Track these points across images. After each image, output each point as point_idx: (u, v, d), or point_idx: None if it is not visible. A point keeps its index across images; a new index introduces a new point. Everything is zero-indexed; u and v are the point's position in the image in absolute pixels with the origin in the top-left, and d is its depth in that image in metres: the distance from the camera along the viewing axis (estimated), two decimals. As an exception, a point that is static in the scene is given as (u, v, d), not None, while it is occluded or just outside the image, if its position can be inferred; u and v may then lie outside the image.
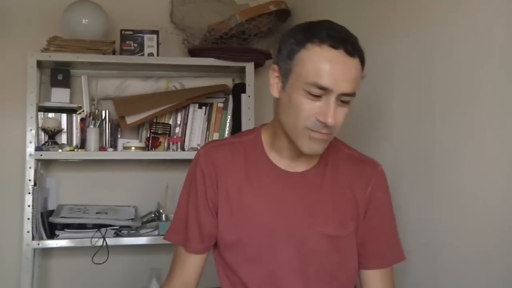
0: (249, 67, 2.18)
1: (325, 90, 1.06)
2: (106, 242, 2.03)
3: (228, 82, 2.34)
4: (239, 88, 2.23)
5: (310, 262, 1.21)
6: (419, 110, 1.35)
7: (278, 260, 1.21)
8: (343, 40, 1.06)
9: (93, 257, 2.05)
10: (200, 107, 2.25)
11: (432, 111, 1.29)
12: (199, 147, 2.18)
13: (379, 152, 1.46)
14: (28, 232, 1.98)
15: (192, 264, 1.26)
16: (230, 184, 1.22)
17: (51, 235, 2.05)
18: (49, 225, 2.07)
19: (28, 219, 1.98)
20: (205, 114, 2.25)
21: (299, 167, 1.23)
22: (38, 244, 2.00)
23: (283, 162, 1.23)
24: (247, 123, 2.15)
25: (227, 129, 2.23)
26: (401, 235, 1.23)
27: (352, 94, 1.09)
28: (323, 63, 1.06)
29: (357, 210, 1.24)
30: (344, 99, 1.08)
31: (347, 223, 1.23)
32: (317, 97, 1.07)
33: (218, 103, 2.26)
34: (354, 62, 1.08)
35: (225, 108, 2.25)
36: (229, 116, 2.24)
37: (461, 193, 1.19)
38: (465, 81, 1.17)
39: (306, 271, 1.22)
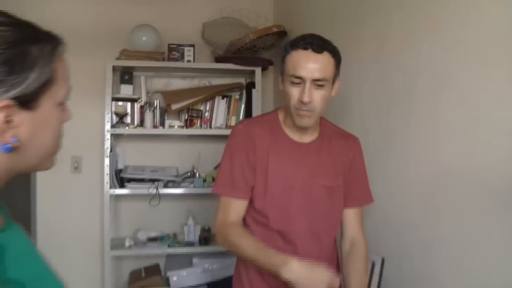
0: (258, 70, 2.94)
1: (300, 78, 1.38)
2: (158, 191, 2.80)
3: (242, 81, 3.12)
4: (250, 85, 2.99)
5: (313, 204, 1.52)
6: (381, 97, 1.82)
7: (292, 203, 1.50)
8: (310, 43, 1.38)
9: (150, 201, 2.87)
10: (222, 98, 3.00)
11: (390, 98, 1.75)
12: (222, 127, 2.97)
13: (356, 127, 1.90)
14: (107, 183, 2.76)
15: (235, 208, 1.49)
16: (262, 150, 1.49)
17: (121, 186, 2.83)
18: (119, 179, 2.85)
19: (107, 174, 2.76)
20: (226, 103, 3.00)
21: (305, 139, 1.54)
22: (114, 191, 2.78)
23: (294, 135, 1.53)
24: (255, 110, 2.94)
25: (241, 114, 3.00)
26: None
27: (322, 79, 1.38)
28: (297, 60, 1.38)
29: (344, 168, 1.57)
30: (318, 83, 1.38)
31: (338, 177, 1.56)
32: (297, 84, 1.39)
33: (235, 95, 3.02)
34: (321, 56, 1.37)
35: (240, 99, 3.01)
36: (243, 105, 3.00)
37: (409, 157, 1.63)
38: (415, 76, 1.60)
39: (310, 211, 1.52)
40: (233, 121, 3.01)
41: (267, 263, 1.35)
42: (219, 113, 3.00)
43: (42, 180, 2.95)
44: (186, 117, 2.96)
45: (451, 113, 1.41)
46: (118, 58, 2.84)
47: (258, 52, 2.97)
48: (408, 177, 1.64)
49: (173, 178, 2.90)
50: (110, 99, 2.81)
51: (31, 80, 0.65)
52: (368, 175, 1.70)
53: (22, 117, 0.65)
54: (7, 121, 0.63)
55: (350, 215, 1.62)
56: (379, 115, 1.84)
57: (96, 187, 2.94)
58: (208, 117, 2.99)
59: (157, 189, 2.80)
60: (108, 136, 2.79)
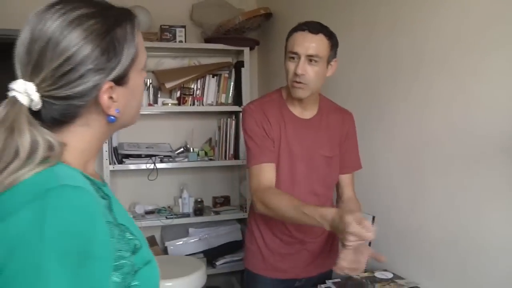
0: (246, 50, 3.11)
1: (296, 54, 1.57)
2: (156, 166, 2.96)
3: (229, 60, 3.28)
4: (239, 64, 3.16)
5: (314, 171, 1.73)
6: (369, 75, 2.04)
7: (297, 170, 1.70)
8: (307, 25, 1.58)
9: (148, 176, 3.02)
10: (213, 77, 3.15)
11: (377, 75, 1.97)
12: (212, 104, 3.14)
13: (347, 102, 2.00)
14: (106, 159, 2.87)
15: (265, 172, 1.63)
16: (275, 126, 1.68)
17: (119, 162, 2.95)
18: (117, 156, 2.96)
19: (106, 151, 2.85)
20: (216, 81, 3.16)
21: (306, 115, 1.73)
22: (113, 167, 2.90)
23: (297, 111, 1.71)
24: (245, 87, 3.11)
25: (231, 91, 3.17)
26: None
27: (315, 56, 1.56)
28: (295, 39, 1.59)
29: (340, 140, 1.77)
30: (311, 59, 1.56)
31: (335, 148, 1.76)
32: (293, 59, 1.59)
33: (225, 74, 3.18)
34: (316, 36, 1.56)
35: (229, 77, 3.17)
36: (232, 83, 3.16)
37: (394, 126, 1.88)
38: (400, 54, 1.85)
39: (311, 177, 1.73)
40: (223, 98, 3.19)
41: (312, 218, 1.40)
42: (210, 91, 3.16)
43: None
44: (179, 95, 3.10)
45: (431, 85, 1.65)
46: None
47: (245, 33, 3.14)
48: (394, 144, 1.88)
49: (169, 153, 3.06)
50: (105, 79, 2.90)
51: (122, 61, 0.76)
52: (358, 144, 1.91)
53: (118, 93, 0.77)
54: (110, 98, 0.76)
55: (345, 180, 1.84)
56: (367, 90, 2.06)
57: (96, 164, 3.03)
58: (200, 95, 3.14)
59: (154, 164, 2.95)
60: (104, 114, 2.89)
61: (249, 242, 1.84)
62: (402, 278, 1.72)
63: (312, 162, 1.72)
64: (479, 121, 1.46)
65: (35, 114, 0.71)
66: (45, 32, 0.70)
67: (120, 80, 0.77)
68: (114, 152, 2.95)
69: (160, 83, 3.04)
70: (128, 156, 2.99)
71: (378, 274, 1.75)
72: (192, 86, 3.14)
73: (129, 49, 0.77)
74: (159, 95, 3.10)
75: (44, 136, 0.69)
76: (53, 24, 0.71)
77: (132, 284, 0.72)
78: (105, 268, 0.65)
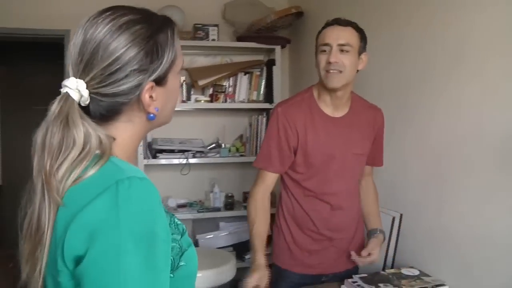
0: (277, 48, 3.16)
1: (327, 45, 1.62)
2: (188, 161, 3.05)
3: (261, 58, 3.34)
4: (270, 62, 3.22)
5: (346, 169, 1.77)
6: (401, 74, 2.08)
7: (330, 170, 1.73)
8: (335, 20, 1.65)
9: (181, 170, 3.12)
10: (245, 74, 3.22)
11: (409, 74, 1.99)
12: (244, 101, 3.20)
13: (380, 100, 1.96)
14: (141, 154, 2.95)
15: (269, 178, 1.76)
16: (300, 128, 1.70)
17: (153, 157, 3.05)
18: (151, 150, 3.07)
19: (140, 146, 2.92)
20: (248, 79, 3.22)
21: (338, 114, 1.74)
22: (147, 162, 2.99)
23: (328, 110, 1.73)
24: (276, 85, 3.16)
25: (262, 88, 3.22)
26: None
27: (346, 44, 1.60)
28: (325, 32, 1.65)
29: (370, 137, 1.80)
30: (343, 48, 1.60)
31: (366, 146, 1.80)
32: (324, 52, 1.63)
33: (256, 72, 3.24)
34: (345, 28, 1.62)
35: (261, 75, 3.23)
36: (263, 81, 3.22)
37: (424, 127, 1.95)
38: (433, 55, 2.01)
39: (344, 175, 1.77)
40: (254, 96, 3.25)
41: (252, 249, 1.73)
42: (242, 88, 3.23)
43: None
44: (211, 92, 3.19)
45: (463, 87, 1.67)
46: (147, 38, 3.01)
47: (276, 31, 3.19)
48: (424, 144, 1.90)
49: (201, 149, 3.14)
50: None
51: (163, 63, 0.82)
52: (388, 142, 1.94)
53: (158, 93, 0.83)
54: (150, 97, 0.82)
55: (366, 169, 1.91)
56: (399, 91, 2.08)
57: (131, 158, 3.15)
58: (232, 92, 3.21)
59: (187, 159, 3.05)
60: (139, 110, 2.99)
61: (277, 237, 1.88)
62: (428, 276, 1.74)
63: (345, 160, 1.76)
64: (510, 123, 1.47)
65: (84, 110, 0.79)
66: (97, 35, 0.78)
67: (160, 81, 0.83)
68: (148, 147, 3.05)
69: (193, 80, 3.12)
70: (161, 151, 3.09)
71: (404, 271, 1.77)
72: (224, 84, 3.21)
73: (169, 53, 0.84)
74: (192, 92, 3.18)
75: (94, 129, 0.77)
76: (104, 28, 0.78)
77: (180, 264, 0.81)
78: (167, 248, 0.74)
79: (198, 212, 3.12)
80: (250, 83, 3.24)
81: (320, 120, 1.72)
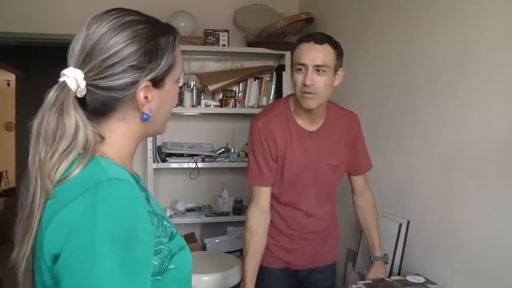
0: (287, 54, 3.13)
1: (304, 65, 1.60)
2: (197, 165, 3.07)
3: (271, 64, 3.35)
4: (280, 68, 3.23)
5: (320, 180, 1.82)
6: (407, 80, 2.09)
7: (304, 181, 1.79)
8: (312, 36, 1.63)
9: (189, 174, 3.15)
10: (254, 80, 3.24)
11: (415, 80, 1.99)
12: (254, 106, 3.21)
13: (387, 107, 2.29)
14: (150, 158, 2.99)
15: (264, 194, 1.77)
16: (280, 143, 1.74)
17: (163, 161, 3.08)
18: (160, 154, 3.09)
19: (150, 149, 2.99)
20: (258, 84, 3.24)
21: (313, 127, 1.77)
22: (156, 165, 3.02)
23: (303, 124, 1.75)
24: (286, 90, 3.17)
25: (272, 94, 3.24)
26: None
27: (323, 65, 1.58)
28: (301, 50, 1.62)
29: (348, 145, 1.85)
30: (319, 69, 1.59)
31: (342, 155, 1.83)
32: (300, 70, 1.62)
33: (266, 77, 3.26)
34: (322, 46, 1.59)
35: (271, 80, 3.25)
36: (273, 86, 3.24)
37: (432, 133, 2.04)
38: (439, 61, 2.02)
39: (318, 186, 1.83)
40: (264, 101, 3.25)
41: (243, 274, 1.78)
42: (252, 94, 3.25)
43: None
44: (221, 97, 3.21)
45: (472, 92, 1.65)
46: (159, 43, 3.04)
47: (286, 37, 3.20)
48: (431, 150, 1.88)
49: (210, 153, 3.16)
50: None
51: (161, 65, 0.84)
52: (395, 147, 1.97)
53: (153, 94, 0.85)
54: (146, 97, 0.84)
55: (359, 181, 1.95)
56: (406, 96, 2.06)
57: (140, 163, 3.18)
58: (241, 97, 3.24)
59: (196, 163, 3.06)
60: (150, 115, 3.02)
61: None
62: (434, 283, 1.72)
63: (318, 172, 1.80)
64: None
65: (80, 104, 0.80)
66: (99, 30, 0.81)
67: (157, 83, 0.85)
68: (158, 151, 3.08)
69: (203, 85, 3.15)
70: (171, 155, 3.11)
71: (410, 278, 1.76)
72: (234, 89, 3.24)
73: (168, 57, 0.85)
74: (202, 97, 3.21)
75: (84, 123, 0.78)
76: (107, 24, 0.81)
77: (169, 267, 0.80)
78: (148, 251, 0.73)
79: (207, 216, 3.13)
80: (260, 88, 3.26)
81: (296, 134, 1.75)
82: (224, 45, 3.16)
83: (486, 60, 1.59)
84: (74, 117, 0.77)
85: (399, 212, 2.05)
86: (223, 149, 3.25)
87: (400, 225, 2.00)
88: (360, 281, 1.75)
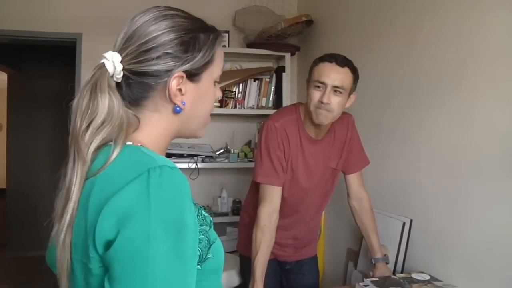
0: (287, 55, 3.20)
1: (323, 83, 1.70)
2: (197, 165, 3.07)
3: (270, 65, 3.38)
4: (280, 69, 3.25)
5: (324, 180, 1.95)
6: (410, 81, 2.16)
7: (310, 181, 1.90)
8: (334, 57, 1.71)
9: (190, 175, 3.13)
10: (254, 81, 3.26)
11: (419, 81, 2.07)
12: (253, 107, 3.23)
13: (390, 108, 2.35)
14: (149, 158, 3.05)
15: (277, 193, 1.82)
16: (293, 147, 1.83)
17: (162, 161, 3.12)
18: (160, 154, 3.13)
19: None
20: (257, 85, 3.26)
21: (320, 136, 1.87)
22: (156, 165, 3.07)
23: (312, 133, 1.85)
24: (285, 91, 3.20)
25: (271, 95, 3.27)
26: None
27: (340, 87, 1.69)
28: (323, 69, 1.71)
29: (344, 145, 1.94)
30: (336, 90, 1.69)
31: (340, 158, 1.94)
32: (319, 88, 1.71)
33: (266, 78, 3.28)
34: (343, 69, 1.70)
35: (270, 82, 3.27)
36: (273, 87, 3.27)
37: (436, 132, 2.09)
38: (442, 63, 2.04)
39: (320, 185, 1.95)
40: (263, 102, 3.28)
41: (253, 271, 1.78)
42: (251, 94, 3.27)
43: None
44: (221, 98, 3.20)
45: (473, 93, 1.69)
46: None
47: (286, 39, 3.22)
48: (434, 149, 1.92)
49: (210, 154, 3.17)
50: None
51: (197, 59, 0.84)
52: (398, 146, 2.02)
53: (188, 87, 0.85)
54: (179, 89, 0.84)
55: (353, 179, 2.02)
56: (409, 97, 2.10)
57: (139, 162, 3.18)
58: (241, 98, 3.25)
59: (196, 164, 3.07)
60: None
61: (244, 232, 2.04)
62: (439, 280, 1.75)
63: (324, 174, 1.93)
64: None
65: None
66: (142, 18, 0.84)
67: (192, 76, 0.85)
68: (158, 151, 3.06)
69: (203, 86, 3.14)
70: (171, 155, 3.08)
71: (415, 276, 1.79)
72: (234, 90, 3.25)
73: (206, 53, 0.86)
74: (201, 98, 3.19)
75: (120, 103, 0.80)
76: (151, 14, 0.84)
77: (208, 256, 0.81)
78: (195, 238, 0.74)
79: (206, 216, 3.13)
80: (259, 89, 3.28)
81: (305, 141, 1.85)
82: (224, 46, 3.17)
83: (489, 59, 1.63)
84: (108, 94, 0.78)
85: (402, 211, 2.09)
86: (223, 150, 3.26)
87: (404, 224, 2.04)
88: (367, 279, 1.77)
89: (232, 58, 3.34)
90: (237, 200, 3.26)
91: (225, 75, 3.20)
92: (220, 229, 3.24)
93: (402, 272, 1.97)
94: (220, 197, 3.26)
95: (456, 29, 1.79)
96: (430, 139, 1.95)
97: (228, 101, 3.23)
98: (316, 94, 1.72)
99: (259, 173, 1.83)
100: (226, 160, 3.20)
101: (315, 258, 2.19)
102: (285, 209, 1.89)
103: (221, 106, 3.19)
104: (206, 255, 0.81)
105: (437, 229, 1.89)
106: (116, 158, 0.76)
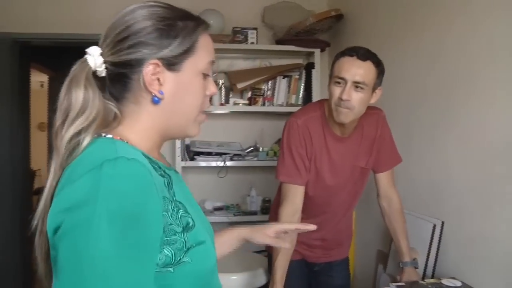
0: (317, 52, 3.13)
1: (343, 79, 1.60)
2: (225, 164, 3.07)
3: (300, 61, 3.31)
4: (309, 66, 3.19)
5: (352, 180, 1.86)
6: (441, 75, 2.03)
7: (336, 180, 1.82)
8: (355, 51, 1.60)
9: (218, 173, 3.14)
10: (283, 78, 3.20)
11: (451, 76, 1.94)
12: (283, 104, 3.18)
13: (422, 104, 2.30)
14: (178, 156, 3.02)
15: (300, 193, 1.76)
16: (316, 145, 1.76)
17: (191, 159, 3.09)
18: (189, 153, 3.11)
19: (178, 148, 3.00)
20: (287, 82, 3.21)
21: (346, 134, 1.79)
22: (185, 164, 3.04)
23: (337, 130, 1.77)
24: (315, 88, 3.14)
25: (301, 92, 3.20)
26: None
27: (362, 83, 1.58)
28: (343, 64, 1.61)
29: (374, 143, 1.84)
30: (358, 85, 1.59)
31: (371, 158, 1.85)
32: (340, 84, 1.62)
33: (295, 75, 3.22)
34: (364, 63, 1.59)
35: (300, 79, 3.21)
36: (302, 84, 3.20)
37: (470, 127, 1.97)
38: (476, 56, 1.93)
39: (348, 184, 1.87)
40: (293, 99, 3.22)
41: (273, 272, 1.73)
42: (280, 92, 3.21)
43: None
44: (250, 95, 3.19)
45: (510, 91, 1.58)
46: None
47: (316, 34, 3.15)
48: (469, 148, 1.80)
49: (239, 152, 3.14)
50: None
51: (174, 46, 0.81)
52: (430, 145, 1.91)
53: (166, 76, 0.82)
54: (157, 79, 0.81)
55: (383, 178, 1.92)
56: (442, 92, 1.99)
57: (168, 160, 3.19)
58: (270, 95, 3.20)
59: (224, 162, 3.05)
60: (178, 113, 3.03)
61: None
62: (471, 287, 1.65)
63: (352, 173, 1.83)
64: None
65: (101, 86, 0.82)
66: (122, 12, 0.84)
67: (170, 65, 0.82)
68: (186, 149, 3.08)
69: (231, 83, 3.14)
70: (199, 153, 3.11)
71: (445, 282, 1.69)
72: (263, 87, 3.21)
73: (184, 40, 0.82)
74: (230, 95, 3.20)
75: (98, 95, 0.80)
76: (131, 7, 0.84)
77: (183, 260, 0.77)
78: (151, 236, 0.71)
79: (235, 215, 3.11)
80: (289, 86, 3.22)
81: (330, 138, 1.77)
82: (252, 43, 3.14)
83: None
84: (84, 87, 0.78)
85: (433, 212, 1.99)
86: (252, 148, 3.23)
87: (434, 226, 1.93)
88: (393, 283, 1.69)
89: (261, 55, 3.30)
90: (266, 199, 3.22)
91: (253, 72, 3.18)
92: (249, 228, 3.20)
93: (432, 278, 1.87)
94: (249, 195, 3.22)
95: (491, 23, 1.67)
96: (464, 138, 1.84)
97: (257, 99, 3.20)
98: (336, 91, 1.63)
99: (281, 171, 1.78)
100: (255, 159, 3.17)
101: (345, 261, 2.12)
102: (312, 209, 1.85)
103: (249, 104, 3.17)
104: (180, 259, 0.77)
105: (470, 232, 1.78)
106: (86, 150, 0.76)
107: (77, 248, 0.65)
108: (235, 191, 3.35)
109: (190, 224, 0.81)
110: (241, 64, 3.29)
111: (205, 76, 0.87)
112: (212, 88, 0.90)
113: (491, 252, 1.67)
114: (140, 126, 0.85)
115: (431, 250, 1.92)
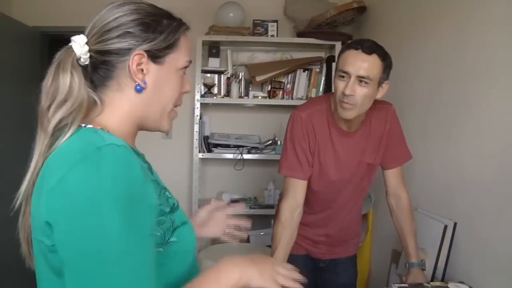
0: (338, 44, 3.06)
1: (347, 73, 1.54)
2: (243, 157, 3.06)
3: (322, 54, 3.25)
4: (330, 59, 3.12)
5: (358, 176, 1.81)
6: (458, 70, 1.95)
7: (341, 175, 1.78)
8: (361, 44, 1.54)
9: (234, 165, 3.14)
10: (304, 71, 3.16)
11: (468, 71, 1.84)
12: (302, 98, 3.14)
13: (435, 101, 2.26)
14: (196, 148, 3.04)
15: (301, 187, 1.74)
16: (320, 138, 1.72)
17: (209, 151, 3.11)
18: (207, 145, 3.12)
19: (196, 139, 3.03)
20: (307, 76, 3.16)
21: (352, 128, 1.74)
22: (202, 155, 3.05)
23: (343, 125, 1.73)
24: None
25: (321, 86, 3.15)
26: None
27: (366, 77, 1.52)
28: (347, 57, 1.55)
29: (382, 139, 1.78)
30: (362, 80, 1.53)
31: (378, 154, 1.80)
32: (343, 78, 1.56)
33: (316, 68, 3.17)
34: (369, 57, 1.52)
35: (320, 72, 3.15)
36: (323, 78, 3.15)
37: (484, 127, 1.86)
38: (494, 51, 1.83)
39: (352, 181, 1.82)
40: (313, 93, 3.17)
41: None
42: (300, 85, 3.17)
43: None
44: (269, 88, 3.16)
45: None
46: (207, 34, 3.07)
47: (337, 27, 3.08)
48: (483, 148, 1.72)
49: (256, 145, 3.13)
50: (200, 71, 3.05)
51: (159, 40, 0.86)
52: (442, 143, 1.84)
53: (150, 68, 0.87)
54: (141, 69, 0.86)
55: (392, 175, 1.85)
56: (457, 88, 1.91)
57: (186, 152, 3.23)
58: (290, 89, 3.17)
59: (241, 155, 3.04)
60: (198, 105, 3.05)
61: None
62: (477, 293, 1.58)
63: (358, 168, 1.78)
64: None
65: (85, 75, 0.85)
66: (108, 7, 0.87)
67: (154, 58, 0.87)
68: (204, 140, 3.09)
69: (251, 76, 3.12)
70: (216, 145, 3.11)
71: (452, 286, 1.63)
72: (283, 80, 3.18)
73: (168, 37, 0.88)
74: (250, 88, 3.19)
75: (82, 82, 0.83)
76: (118, 2, 0.88)
77: (171, 240, 0.82)
78: (149, 214, 0.75)
79: (251, 208, 3.11)
80: (309, 80, 3.18)
81: (335, 132, 1.73)
82: (273, 35, 3.11)
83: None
84: (70, 73, 0.82)
85: (445, 212, 1.91)
86: (270, 141, 3.21)
87: (446, 227, 1.86)
88: (395, 284, 1.64)
89: (282, 48, 3.26)
90: (284, 193, 3.19)
91: (273, 65, 3.15)
92: (265, 222, 3.19)
93: (442, 280, 1.81)
94: (266, 189, 3.20)
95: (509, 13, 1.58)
96: (480, 137, 1.76)
97: (276, 92, 3.17)
98: (340, 85, 1.58)
99: (283, 165, 1.75)
100: (273, 152, 3.14)
101: (352, 259, 2.07)
102: (317, 204, 1.83)
103: (269, 97, 3.14)
104: (169, 238, 0.82)
105: (483, 235, 1.71)
106: (69, 139, 0.79)
107: (92, 234, 0.67)
108: (253, 184, 3.34)
109: (175, 205, 0.87)
110: (262, 57, 3.26)
111: (182, 73, 0.93)
112: (187, 86, 0.96)
113: (503, 257, 1.59)
114: (119, 112, 0.88)
115: (441, 252, 1.85)
